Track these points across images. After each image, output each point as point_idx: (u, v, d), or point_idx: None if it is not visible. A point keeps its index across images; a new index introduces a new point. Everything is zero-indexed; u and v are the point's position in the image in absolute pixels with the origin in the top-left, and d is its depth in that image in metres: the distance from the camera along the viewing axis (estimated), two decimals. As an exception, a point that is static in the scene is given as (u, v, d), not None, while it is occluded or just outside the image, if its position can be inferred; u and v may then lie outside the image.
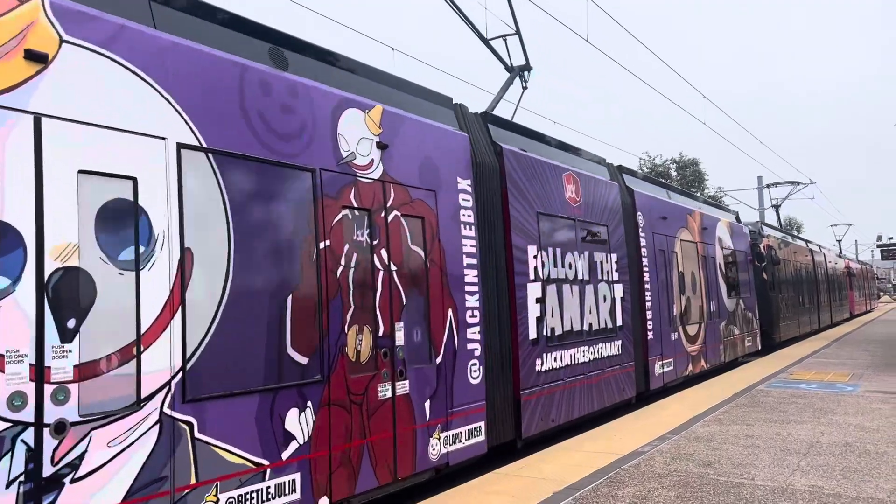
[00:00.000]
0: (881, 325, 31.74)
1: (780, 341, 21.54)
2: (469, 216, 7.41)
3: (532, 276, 8.47)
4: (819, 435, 7.94)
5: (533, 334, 8.36)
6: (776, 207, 35.01)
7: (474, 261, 7.38)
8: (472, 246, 7.38)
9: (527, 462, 7.03)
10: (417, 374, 6.41)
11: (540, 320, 8.54)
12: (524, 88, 11.27)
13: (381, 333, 6.03)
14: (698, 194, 33.98)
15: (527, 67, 11.05)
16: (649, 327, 11.84)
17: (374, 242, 6.03)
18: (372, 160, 6.13)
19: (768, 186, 35.04)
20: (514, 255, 8.19)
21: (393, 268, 6.21)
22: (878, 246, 53.61)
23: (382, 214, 6.17)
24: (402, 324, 6.28)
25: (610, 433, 8.40)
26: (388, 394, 6.05)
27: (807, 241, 31.63)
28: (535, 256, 8.59)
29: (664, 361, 12.37)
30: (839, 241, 53.77)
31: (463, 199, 7.35)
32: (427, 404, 6.51)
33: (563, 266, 9.22)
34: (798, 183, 34.00)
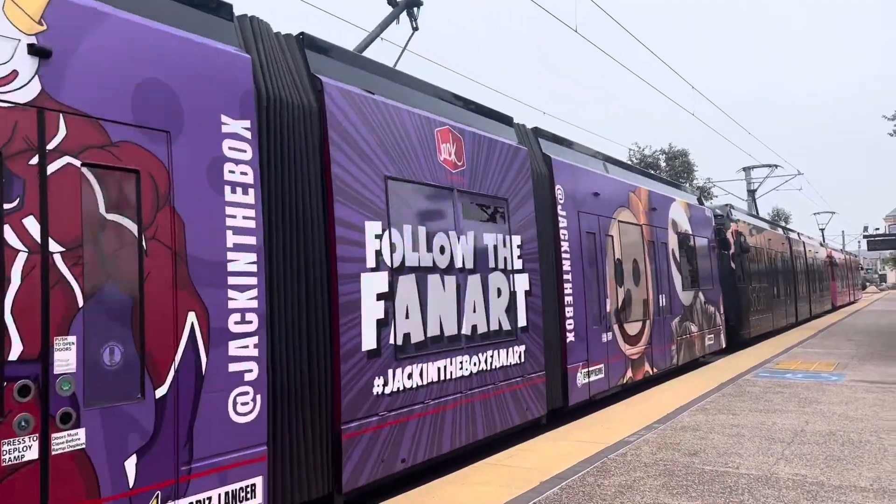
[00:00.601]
0: (866, 316, 32.02)
1: (751, 337, 19.49)
2: (245, 175, 5.15)
3: (371, 264, 6.23)
4: (804, 424, 8.02)
5: (370, 343, 6.11)
6: (752, 192, 34.11)
7: (251, 240, 5.10)
8: (246, 218, 5.12)
9: (514, 452, 7.06)
10: (107, 417, 4.15)
11: (384, 323, 6.30)
12: (414, 29, 9.56)
13: (14, 355, 3.78)
14: (665, 177, 33.50)
15: (415, 3, 9.41)
16: (569, 327, 9.61)
17: (12, 206, 3.86)
18: (14, 72, 3.94)
19: (745, 170, 34.07)
20: (337, 233, 5.91)
21: (55, 248, 4.00)
22: (865, 236, 54.00)
23: (35, 161, 3.97)
24: (71, 337, 4.03)
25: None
26: (31, 455, 3.80)
27: (785, 229, 29.83)
28: (379, 237, 6.36)
29: (591, 368, 10.17)
30: (822, 230, 52.56)
31: (232, 149, 5.09)
32: (131, 463, 4.25)
33: (428, 251, 7.00)
34: (776, 166, 33.26)
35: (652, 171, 37.56)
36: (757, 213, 35.72)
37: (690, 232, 15.23)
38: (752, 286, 20.04)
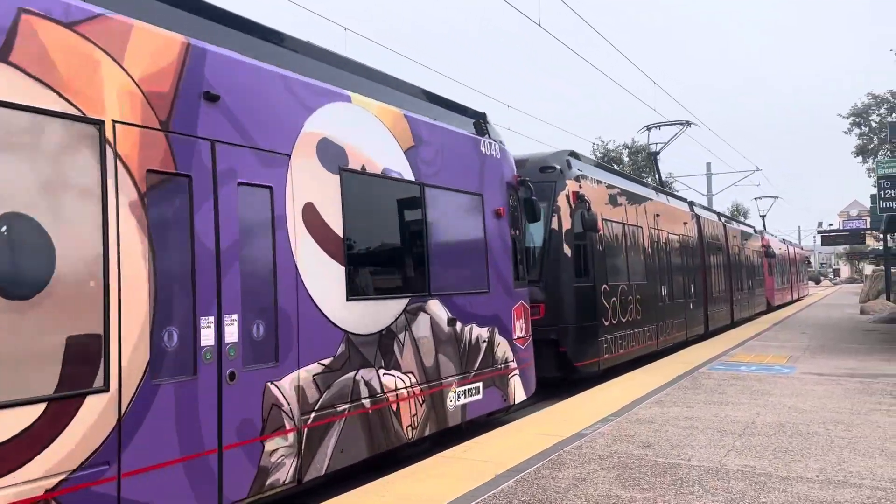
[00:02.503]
0: (819, 310, 32.88)
1: (603, 369, 12.13)
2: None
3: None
4: (755, 416, 8.19)
5: None
6: (655, 154, 26.79)
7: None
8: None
9: (471, 445, 7.07)
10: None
11: None
12: None
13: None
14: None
15: None
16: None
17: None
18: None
19: (648, 129, 26.09)
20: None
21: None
22: (819, 232, 55.41)
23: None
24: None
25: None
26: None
27: (691, 204, 21.47)
28: None
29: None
30: (763, 217, 46.39)
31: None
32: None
33: None
34: (686, 124, 24.98)
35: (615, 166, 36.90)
36: (660, 177, 28.35)
37: (423, 179, 7.58)
38: (611, 284, 12.81)
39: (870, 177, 42.22)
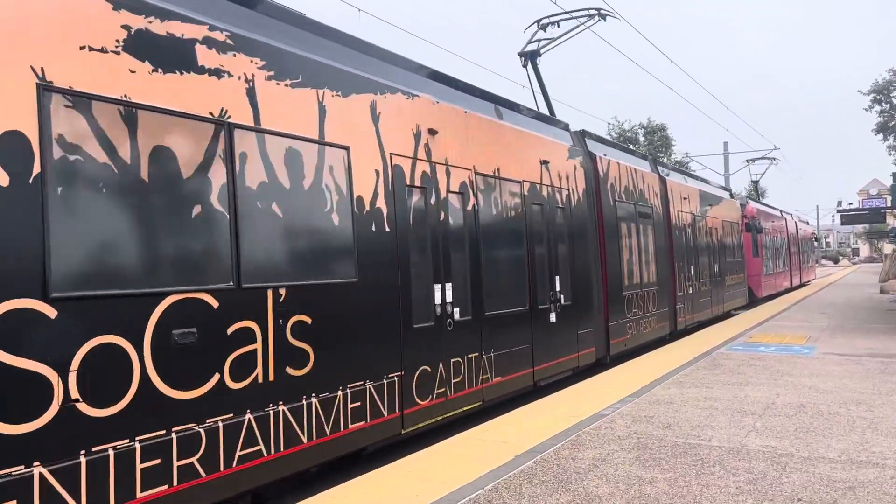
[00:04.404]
0: (840, 290, 32.55)
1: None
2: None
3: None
4: (775, 396, 8.14)
5: None
6: (756, 183, 28.25)
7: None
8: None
9: (488, 426, 7.10)
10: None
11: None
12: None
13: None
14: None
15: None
16: None
17: None
18: None
19: (541, 26, 22.92)
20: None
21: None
22: (839, 211, 54.69)
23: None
24: None
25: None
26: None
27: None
28: None
29: None
30: (755, 181, 41.11)
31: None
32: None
33: None
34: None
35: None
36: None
37: None
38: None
39: (890, 154, 41.46)
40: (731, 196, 24.09)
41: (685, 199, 16.90)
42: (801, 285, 37.46)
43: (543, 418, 7.32)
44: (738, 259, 22.40)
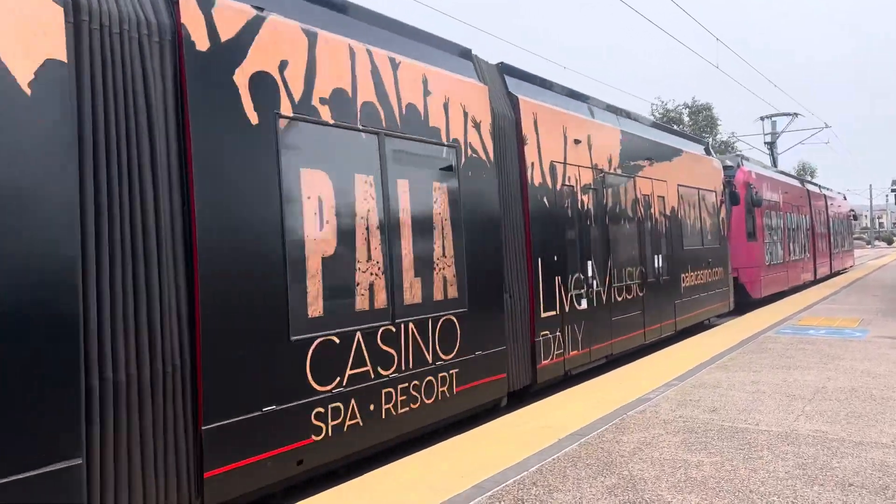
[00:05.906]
0: (888, 273, 31.52)
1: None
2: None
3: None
4: (825, 381, 7.97)
5: None
6: (770, 144, 27.93)
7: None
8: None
9: (523, 413, 7.10)
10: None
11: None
12: None
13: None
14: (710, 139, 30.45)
15: None
16: None
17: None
18: None
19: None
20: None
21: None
22: (893, 190, 52.84)
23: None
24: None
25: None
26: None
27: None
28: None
29: None
30: (770, 143, 35.00)
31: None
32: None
33: None
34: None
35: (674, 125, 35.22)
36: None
37: None
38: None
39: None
40: (708, 152, 16.77)
41: (577, 142, 9.93)
42: (831, 275, 30.23)
43: (585, 403, 7.30)
44: (715, 245, 15.57)
